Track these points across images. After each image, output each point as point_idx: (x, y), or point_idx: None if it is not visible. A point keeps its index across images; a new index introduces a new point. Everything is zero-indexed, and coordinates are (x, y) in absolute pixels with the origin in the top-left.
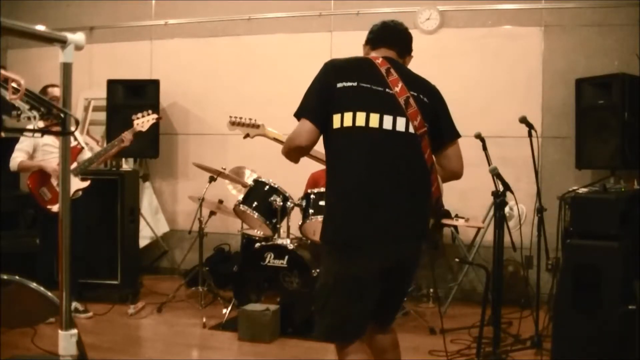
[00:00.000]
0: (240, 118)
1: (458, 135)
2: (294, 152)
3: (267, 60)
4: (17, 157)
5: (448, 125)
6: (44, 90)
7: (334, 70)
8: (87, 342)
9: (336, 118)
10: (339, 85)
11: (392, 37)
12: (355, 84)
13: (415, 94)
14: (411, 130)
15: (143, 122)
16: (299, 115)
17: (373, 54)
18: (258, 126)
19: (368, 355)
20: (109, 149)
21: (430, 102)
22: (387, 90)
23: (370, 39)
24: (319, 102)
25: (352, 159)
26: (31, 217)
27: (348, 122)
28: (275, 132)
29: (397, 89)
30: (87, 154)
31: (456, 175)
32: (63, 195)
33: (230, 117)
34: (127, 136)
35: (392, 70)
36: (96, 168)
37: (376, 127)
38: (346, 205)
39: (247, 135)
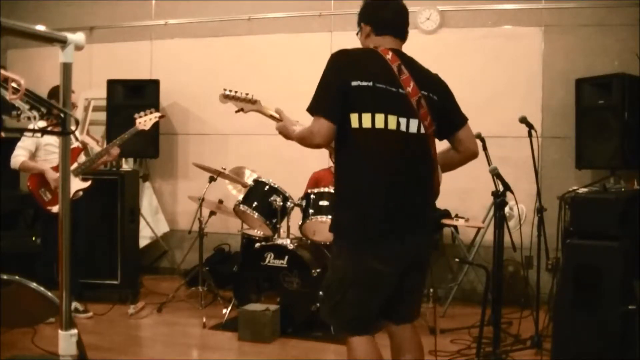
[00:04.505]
0: (236, 92)
1: (467, 118)
2: (311, 147)
3: (267, 60)
4: (19, 156)
5: (457, 112)
6: (54, 91)
7: (347, 65)
8: (87, 342)
9: (354, 117)
10: (354, 83)
11: (400, 24)
12: (370, 83)
13: (426, 93)
14: (422, 130)
15: (145, 120)
16: (315, 111)
17: (378, 42)
18: (255, 102)
19: (378, 351)
20: (103, 154)
21: (439, 99)
22: (400, 90)
23: (375, 21)
24: (335, 100)
25: (373, 160)
26: (31, 217)
27: (367, 123)
28: (268, 109)
29: (409, 89)
30: (83, 157)
31: (474, 155)
32: (63, 195)
33: (225, 89)
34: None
35: (403, 68)
36: (96, 169)
37: (394, 130)
38: (367, 202)
39: (240, 110)
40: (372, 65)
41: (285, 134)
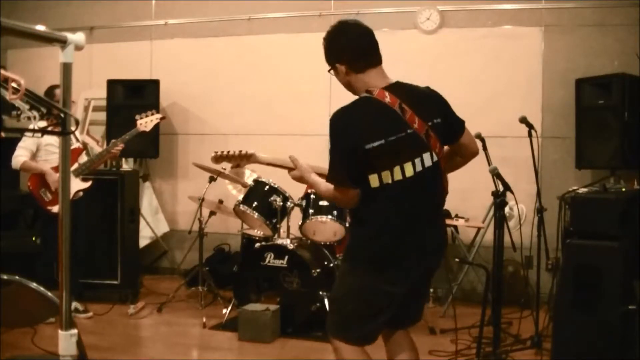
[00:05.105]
0: (227, 152)
1: (464, 122)
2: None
3: (267, 60)
4: (20, 156)
5: (457, 120)
6: (51, 90)
7: (354, 129)
8: (87, 342)
9: (373, 178)
10: (368, 146)
11: (373, 50)
12: (383, 141)
13: (431, 123)
14: (434, 159)
15: (147, 122)
16: (338, 184)
17: (363, 80)
18: (249, 156)
19: (367, 355)
20: (104, 154)
21: (441, 119)
22: (408, 131)
23: (348, 59)
24: (352, 169)
25: (393, 206)
26: (31, 217)
27: (387, 179)
28: (268, 158)
29: (415, 126)
30: (84, 157)
31: (475, 154)
32: (63, 196)
33: (215, 152)
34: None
35: (404, 106)
36: (96, 168)
37: (412, 175)
38: (386, 237)
39: (237, 166)
40: (377, 120)
41: (304, 182)
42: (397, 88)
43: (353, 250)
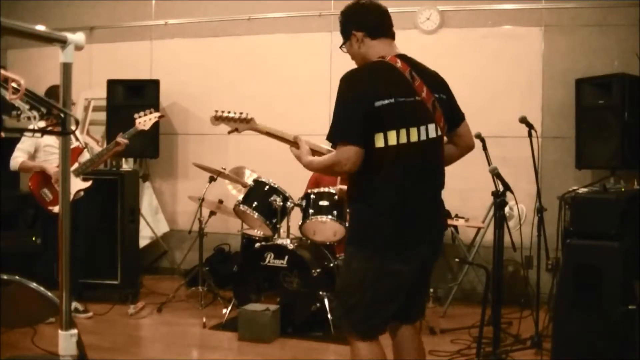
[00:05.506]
0: (228, 112)
1: (464, 113)
2: (338, 175)
3: (267, 60)
4: (18, 157)
5: (458, 108)
6: (52, 90)
7: (365, 86)
8: (87, 342)
9: (378, 137)
10: (377, 104)
11: (389, 24)
12: (392, 100)
13: (437, 95)
14: (439, 133)
15: (145, 120)
16: (340, 139)
17: (375, 47)
18: (249, 120)
19: (383, 353)
20: (104, 153)
21: (446, 97)
22: (416, 98)
23: (367, 26)
24: (360, 123)
25: (397, 174)
26: (31, 217)
27: (392, 140)
28: (267, 127)
29: (423, 95)
30: (86, 155)
31: (471, 148)
32: (63, 195)
33: (216, 111)
34: (122, 140)
35: (414, 74)
36: (96, 168)
37: (416, 141)
38: (394, 215)
39: (234, 130)
40: (388, 80)
41: (301, 161)
42: (409, 59)
43: (359, 231)
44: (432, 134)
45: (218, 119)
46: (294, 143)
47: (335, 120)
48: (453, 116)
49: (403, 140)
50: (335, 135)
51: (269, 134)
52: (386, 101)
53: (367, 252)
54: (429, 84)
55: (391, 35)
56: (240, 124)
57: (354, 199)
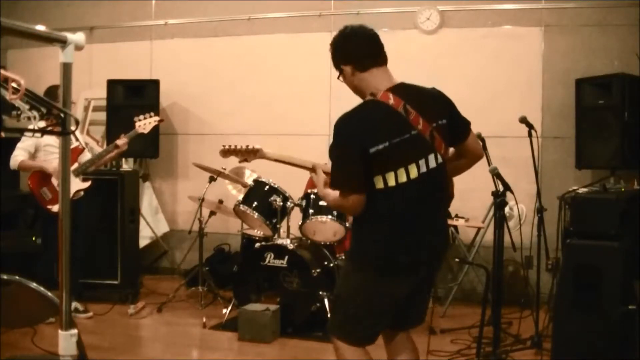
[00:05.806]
0: (235, 146)
1: (469, 122)
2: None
3: (267, 60)
4: (18, 156)
5: (462, 122)
6: (52, 89)
7: (359, 132)
8: (87, 342)
9: (378, 180)
10: (372, 150)
11: (377, 50)
12: (387, 144)
13: (435, 124)
14: (439, 160)
15: (145, 124)
16: (343, 189)
17: (366, 79)
18: (255, 151)
19: (367, 353)
20: (104, 155)
21: (447, 120)
22: (413, 132)
23: (353, 60)
24: (359, 172)
25: (398, 207)
26: (31, 217)
27: (392, 181)
28: (275, 154)
29: (420, 127)
30: (87, 155)
31: (479, 157)
32: (63, 195)
33: (223, 146)
34: (121, 142)
35: (408, 107)
36: (96, 168)
37: (416, 177)
38: (390, 242)
39: (244, 160)
40: (381, 123)
41: (318, 190)
42: (402, 89)
43: (356, 253)
44: (433, 163)
45: (227, 153)
46: (310, 169)
47: (335, 168)
48: (457, 134)
49: (402, 179)
50: (337, 184)
51: (277, 161)
52: (381, 146)
53: (362, 273)
54: (425, 114)
55: (382, 62)
56: (248, 155)
57: (356, 222)
